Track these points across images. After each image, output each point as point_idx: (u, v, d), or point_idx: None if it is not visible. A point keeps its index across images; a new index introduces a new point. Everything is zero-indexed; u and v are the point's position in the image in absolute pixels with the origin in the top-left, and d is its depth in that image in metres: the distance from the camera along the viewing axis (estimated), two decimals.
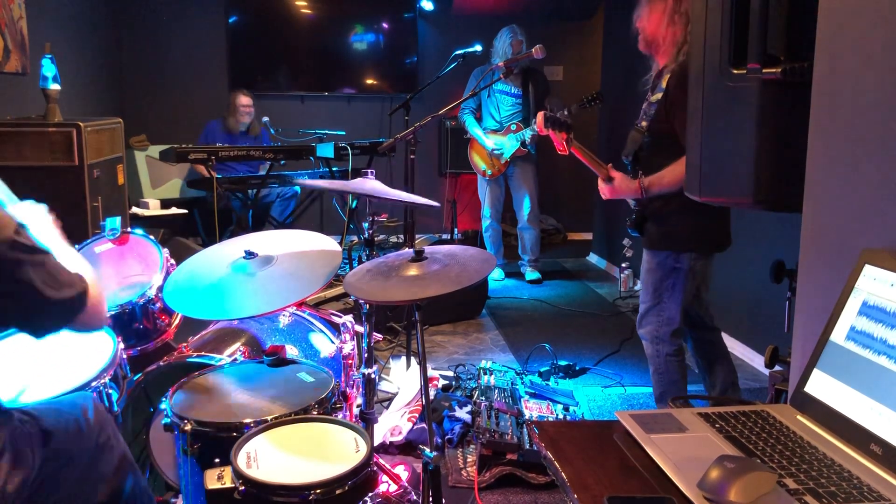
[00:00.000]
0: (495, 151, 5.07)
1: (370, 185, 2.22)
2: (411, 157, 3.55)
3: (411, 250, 1.87)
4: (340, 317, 2.29)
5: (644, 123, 2.54)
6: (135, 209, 4.84)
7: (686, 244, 2.53)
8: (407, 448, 2.73)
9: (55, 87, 3.38)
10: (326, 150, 4.99)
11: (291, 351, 2.29)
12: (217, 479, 1.47)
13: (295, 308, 2.41)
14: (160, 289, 2.25)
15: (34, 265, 1.35)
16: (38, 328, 1.42)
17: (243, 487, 1.43)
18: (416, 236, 5.58)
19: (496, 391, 2.97)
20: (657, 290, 2.60)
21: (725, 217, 2.60)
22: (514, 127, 5.05)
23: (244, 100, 5.47)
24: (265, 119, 5.54)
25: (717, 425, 1.17)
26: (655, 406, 2.84)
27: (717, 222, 2.56)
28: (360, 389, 2.11)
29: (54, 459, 1.48)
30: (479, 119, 5.18)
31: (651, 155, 2.50)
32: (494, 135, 5.10)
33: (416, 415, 2.83)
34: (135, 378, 2.13)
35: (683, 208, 2.43)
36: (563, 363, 3.60)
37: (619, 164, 2.66)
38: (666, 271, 2.56)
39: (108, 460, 1.62)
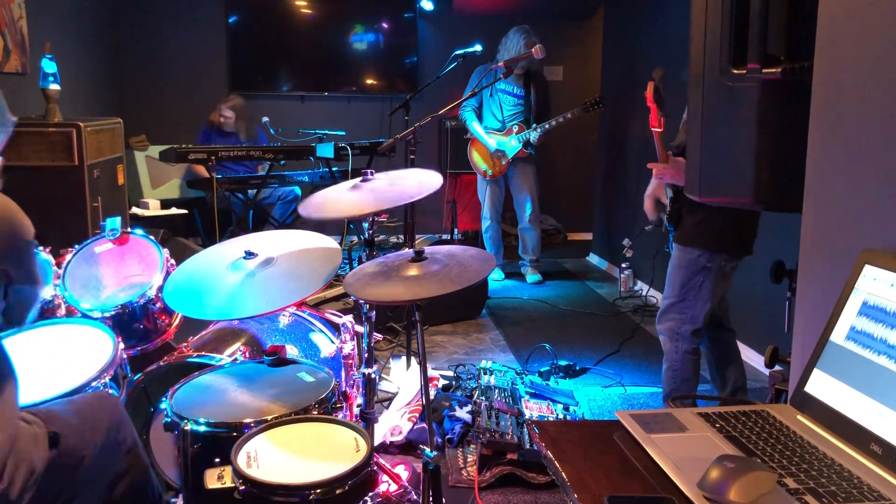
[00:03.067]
0: (497, 153, 5.07)
1: (369, 194, 2.18)
2: (411, 157, 3.55)
3: (411, 250, 1.87)
4: (340, 317, 2.28)
5: None
6: (135, 209, 4.84)
7: (721, 244, 2.52)
8: (407, 448, 2.73)
9: (55, 87, 3.38)
10: (326, 151, 4.98)
11: (291, 351, 2.29)
12: (217, 479, 1.47)
13: (295, 308, 2.41)
14: (160, 289, 2.26)
15: (34, 262, 1.52)
16: (22, 314, 1.58)
17: (243, 487, 1.43)
18: (416, 236, 5.58)
19: (496, 391, 2.97)
20: (684, 286, 2.58)
21: (756, 221, 2.59)
22: (515, 128, 5.05)
23: (226, 112, 5.42)
24: (265, 119, 5.54)
25: (717, 425, 1.17)
26: (660, 404, 2.83)
27: (751, 226, 2.56)
28: (360, 389, 2.11)
29: (63, 460, 1.48)
30: (479, 118, 5.18)
31: None
32: (496, 135, 5.11)
33: (416, 415, 2.83)
34: (135, 378, 2.13)
35: (722, 209, 2.42)
36: (563, 363, 3.60)
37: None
38: (696, 269, 2.55)
39: (119, 458, 1.63)
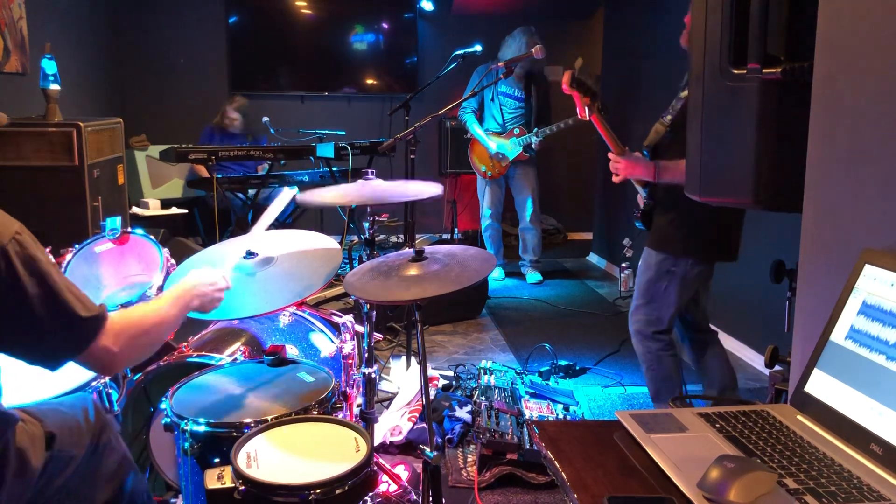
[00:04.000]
0: (498, 155, 5.07)
1: (369, 189, 2.20)
2: (411, 157, 3.55)
3: (411, 250, 1.87)
4: (340, 317, 2.29)
5: (669, 118, 2.53)
6: (135, 209, 4.84)
7: (685, 250, 2.51)
8: (407, 448, 2.73)
9: (55, 87, 3.38)
10: (326, 150, 4.98)
11: (291, 351, 2.29)
12: (217, 479, 1.46)
13: (295, 308, 2.41)
14: (160, 289, 2.25)
15: (31, 277, 1.25)
16: (35, 352, 1.32)
17: (243, 487, 1.43)
18: (416, 236, 5.58)
19: (496, 391, 2.97)
20: (648, 289, 2.60)
21: (733, 228, 2.56)
22: (516, 131, 5.06)
23: (232, 114, 5.41)
24: (265, 119, 5.54)
25: (717, 425, 1.17)
26: (653, 405, 2.83)
27: (723, 232, 2.53)
28: (360, 389, 2.11)
29: (56, 460, 1.48)
30: (480, 120, 5.18)
31: (671, 149, 2.48)
32: (496, 137, 5.11)
33: (416, 415, 2.83)
34: (135, 378, 2.13)
35: (690, 213, 2.42)
36: (563, 363, 3.60)
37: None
38: (660, 273, 2.56)
39: (109, 461, 1.62)
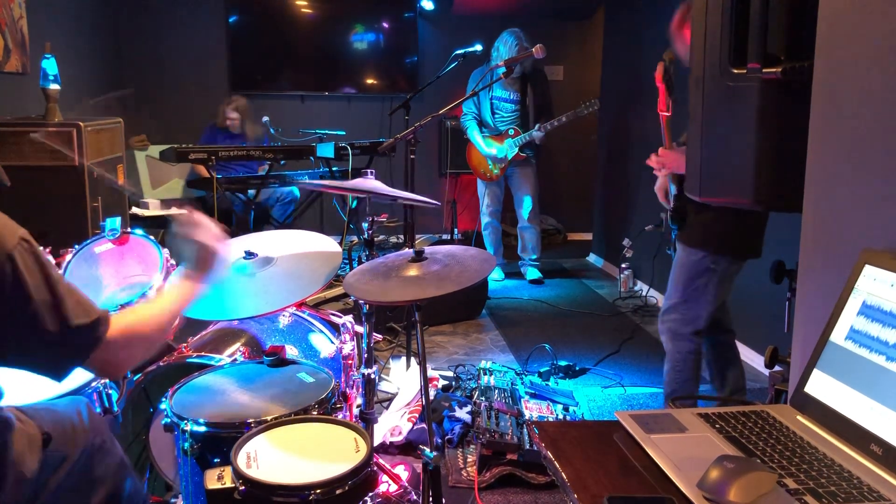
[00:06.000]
0: (495, 158, 5.07)
1: (369, 184, 2.22)
2: (411, 157, 3.55)
3: (411, 250, 1.87)
4: (340, 317, 2.29)
5: None
6: (135, 209, 4.84)
7: (726, 247, 2.50)
8: (407, 448, 2.73)
9: (55, 86, 3.38)
10: (326, 150, 4.98)
11: (291, 351, 2.29)
12: (217, 479, 1.46)
13: (295, 308, 2.41)
14: (160, 289, 2.25)
15: (36, 283, 1.25)
16: (39, 360, 1.31)
17: (243, 487, 1.43)
18: (416, 236, 5.58)
19: (496, 391, 2.97)
20: (687, 287, 2.56)
21: (763, 223, 2.56)
22: (511, 132, 5.06)
23: (232, 114, 5.42)
24: (265, 119, 5.54)
25: (717, 425, 1.17)
26: (660, 404, 2.82)
27: (757, 228, 2.53)
28: (360, 389, 2.11)
29: (52, 461, 1.47)
30: (477, 123, 5.19)
31: None
32: (494, 140, 5.11)
33: (416, 415, 2.83)
34: (135, 378, 2.13)
35: (729, 211, 2.39)
36: (563, 363, 3.60)
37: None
38: (700, 270, 2.53)
39: (104, 464, 1.61)
